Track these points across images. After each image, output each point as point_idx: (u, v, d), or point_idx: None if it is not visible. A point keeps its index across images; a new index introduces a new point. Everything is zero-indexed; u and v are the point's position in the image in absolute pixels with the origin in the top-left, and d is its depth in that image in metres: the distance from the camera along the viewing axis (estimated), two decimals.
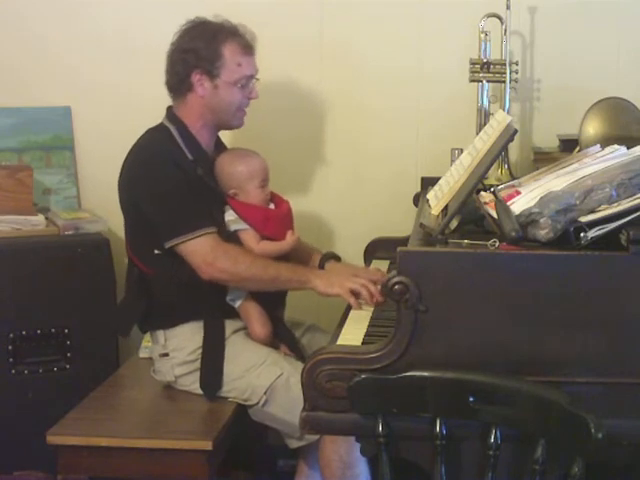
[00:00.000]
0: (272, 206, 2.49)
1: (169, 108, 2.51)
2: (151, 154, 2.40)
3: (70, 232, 2.85)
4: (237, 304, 2.44)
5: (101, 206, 3.03)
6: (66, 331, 2.79)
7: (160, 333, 2.45)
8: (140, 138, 2.45)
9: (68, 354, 2.80)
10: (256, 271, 2.33)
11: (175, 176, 2.34)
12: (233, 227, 2.41)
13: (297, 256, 2.54)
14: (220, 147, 2.59)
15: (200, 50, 2.41)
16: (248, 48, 2.46)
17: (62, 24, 3.03)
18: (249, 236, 2.40)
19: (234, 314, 2.45)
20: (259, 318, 2.42)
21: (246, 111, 2.51)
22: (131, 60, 3.03)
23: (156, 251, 2.37)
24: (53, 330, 2.79)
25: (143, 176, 2.37)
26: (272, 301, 2.45)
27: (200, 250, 2.31)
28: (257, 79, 2.51)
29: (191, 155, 2.42)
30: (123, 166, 2.43)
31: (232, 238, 2.39)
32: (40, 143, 3.05)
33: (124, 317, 2.51)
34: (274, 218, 2.45)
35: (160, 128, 2.47)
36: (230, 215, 2.42)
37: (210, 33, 2.43)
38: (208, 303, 2.41)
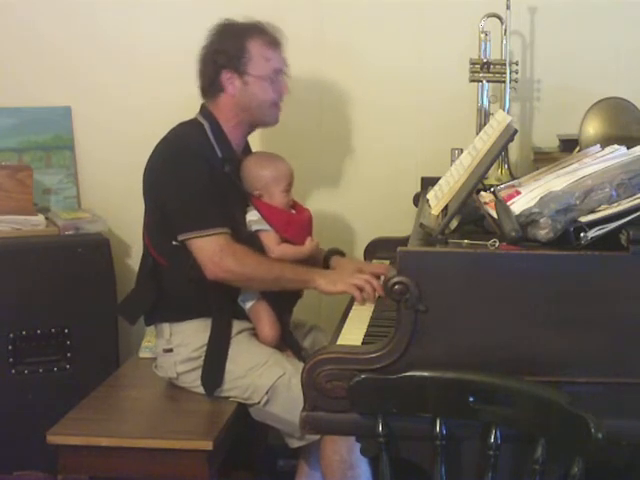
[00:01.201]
0: (293, 212, 2.52)
1: (203, 105, 2.52)
2: (182, 147, 2.41)
3: (70, 232, 2.85)
4: (248, 305, 2.45)
5: (101, 206, 3.03)
6: (66, 331, 2.80)
7: (166, 327, 2.45)
8: (172, 130, 2.46)
9: (68, 354, 2.80)
10: (261, 271, 2.34)
11: (202, 171, 2.35)
12: (255, 227, 2.43)
13: (313, 263, 2.54)
14: (247, 150, 2.61)
15: (227, 49, 2.43)
16: (274, 42, 2.48)
17: (62, 24, 3.03)
18: (270, 237, 2.43)
19: (241, 315, 2.46)
20: (269, 320, 2.43)
21: (280, 107, 2.52)
22: (131, 60, 3.03)
23: (174, 242, 2.38)
24: (53, 330, 2.79)
25: (171, 167, 2.38)
26: (282, 306, 2.47)
27: (209, 248, 2.31)
28: (287, 75, 2.52)
29: (221, 153, 2.44)
30: (151, 156, 2.44)
31: (252, 238, 2.41)
32: (40, 143, 3.05)
33: (133, 305, 2.51)
34: (296, 223, 2.48)
35: (193, 122, 2.48)
36: (253, 215, 2.44)
37: (235, 31, 2.45)
38: (219, 301, 2.41)
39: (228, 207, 2.40)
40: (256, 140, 2.66)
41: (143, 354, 2.75)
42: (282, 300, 2.45)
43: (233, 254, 2.32)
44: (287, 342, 2.48)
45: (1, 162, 2.97)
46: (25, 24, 3.04)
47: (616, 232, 1.72)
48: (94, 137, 3.07)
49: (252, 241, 2.40)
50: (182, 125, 2.47)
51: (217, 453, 2.24)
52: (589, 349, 1.71)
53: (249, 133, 2.57)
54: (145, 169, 2.44)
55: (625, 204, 1.73)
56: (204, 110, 2.50)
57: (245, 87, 2.44)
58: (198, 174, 2.35)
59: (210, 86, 2.47)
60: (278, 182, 2.47)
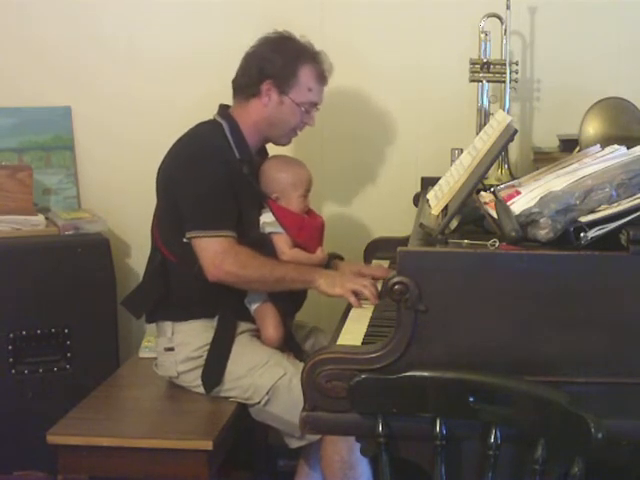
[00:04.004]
0: (306, 217, 2.53)
1: (223, 106, 2.53)
2: (201, 146, 2.43)
3: (70, 232, 2.85)
4: (254, 307, 2.46)
5: (101, 206, 3.03)
6: (66, 331, 2.80)
7: (168, 325, 2.46)
8: (190, 130, 2.47)
9: (68, 354, 2.80)
10: (262, 273, 2.35)
11: (218, 171, 2.36)
12: (268, 229, 2.44)
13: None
14: (262, 152, 2.62)
15: (279, 63, 2.45)
16: (323, 77, 2.52)
17: (62, 24, 3.03)
18: (282, 240, 2.44)
19: (245, 316, 2.46)
20: (274, 322, 2.43)
21: (297, 134, 2.57)
22: (131, 60, 3.03)
23: (185, 239, 2.38)
24: (53, 330, 2.79)
25: (188, 165, 2.39)
26: (287, 309, 2.48)
27: (212, 250, 2.32)
28: (318, 109, 2.56)
29: (239, 154, 2.45)
30: (169, 153, 2.45)
31: (265, 240, 2.42)
32: (40, 143, 3.05)
33: (139, 299, 2.51)
34: (308, 228, 2.49)
35: (212, 123, 2.49)
36: (267, 217, 2.45)
37: (293, 51, 2.48)
38: (224, 303, 2.42)
39: (241, 209, 2.41)
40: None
41: (143, 354, 2.75)
42: (288, 303, 2.46)
43: (235, 257, 2.32)
44: (289, 345, 2.48)
45: (1, 162, 2.97)
46: (25, 24, 3.03)
47: (616, 232, 1.72)
48: (94, 137, 3.07)
49: (263, 242, 2.41)
50: (201, 125, 2.48)
51: (217, 453, 2.24)
52: (589, 349, 1.71)
53: (264, 142, 2.59)
54: (161, 166, 2.46)
55: (625, 204, 1.73)
56: (222, 111, 2.51)
57: (279, 105, 2.47)
58: (214, 174, 2.36)
59: (247, 87, 2.49)
60: (296, 187, 2.48)
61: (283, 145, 2.59)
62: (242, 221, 2.40)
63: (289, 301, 2.46)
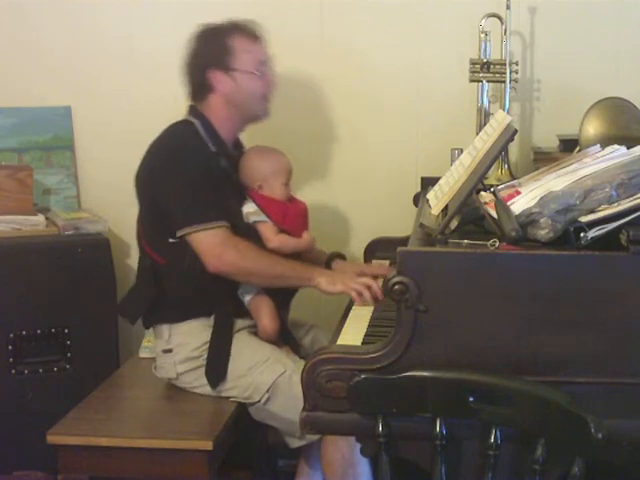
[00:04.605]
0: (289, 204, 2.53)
1: (192, 106, 2.53)
2: (175, 145, 2.43)
3: (70, 232, 2.85)
4: (247, 298, 2.46)
5: (101, 206, 3.03)
6: (66, 331, 2.80)
7: (165, 328, 2.45)
8: (164, 131, 2.47)
9: (68, 354, 2.80)
10: (262, 266, 2.35)
11: (197, 167, 2.37)
12: (252, 218, 2.44)
13: (311, 260, 2.56)
14: (239, 146, 2.62)
15: (209, 50, 2.45)
16: (254, 35, 2.50)
17: (62, 24, 3.03)
18: (267, 228, 2.44)
19: (242, 313, 2.46)
20: (269, 312, 2.43)
21: (270, 101, 2.53)
22: (131, 60, 3.03)
23: (171, 240, 2.38)
24: (53, 330, 2.79)
25: (166, 166, 2.39)
26: (279, 300, 2.47)
27: (210, 242, 2.32)
28: (272, 68, 2.53)
29: (214, 147, 2.45)
30: (145, 156, 2.45)
31: (250, 230, 2.42)
32: (40, 143, 3.05)
33: (133, 305, 2.51)
34: (292, 213, 2.49)
35: (184, 122, 2.49)
36: (250, 207, 2.46)
37: (214, 32, 2.47)
38: (219, 299, 2.42)
39: (225, 200, 2.41)
40: (257, 140, 2.66)
41: (143, 354, 2.75)
42: (279, 294, 2.45)
43: (235, 247, 2.33)
44: (284, 338, 2.48)
45: (1, 162, 2.97)
46: (25, 24, 3.03)
47: (616, 232, 1.72)
48: (94, 137, 3.07)
49: (250, 233, 2.41)
50: (173, 125, 2.48)
51: (217, 453, 2.24)
52: (589, 349, 1.71)
53: (240, 130, 2.58)
54: (139, 170, 2.45)
55: (625, 204, 1.73)
56: (192, 110, 2.51)
57: (234, 83, 2.45)
58: (193, 169, 2.36)
59: (199, 88, 2.49)
60: (278, 174, 2.48)
61: (264, 118, 2.55)
62: (228, 213, 2.40)
63: (281, 292, 2.44)
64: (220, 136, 2.48)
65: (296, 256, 2.46)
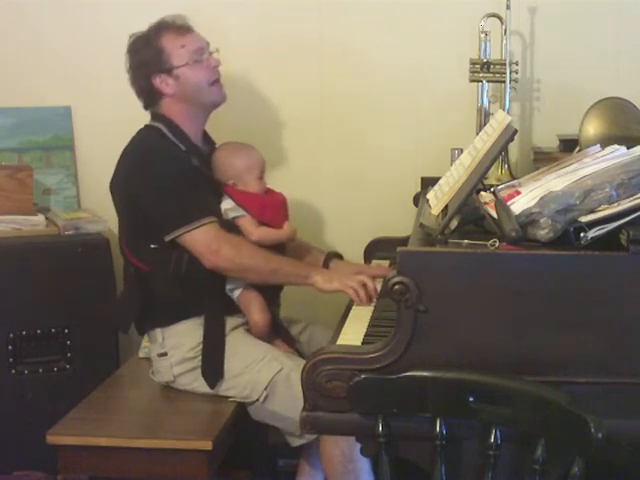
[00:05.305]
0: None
1: (152, 112, 2.54)
2: (146, 150, 2.44)
3: (70, 232, 2.85)
4: (236, 294, 2.46)
5: (101, 206, 3.02)
6: (66, 331, 2.79)
7: (158, 332, 2.45)
8: (132, 138, 2.48)
9: (68, 354, 2.80)
10: (258, 262, 2.35)
11: (172, 169, 2.37)
12: (231, 214, 2.45)
13: (296, 252, 2.58)
14: (208, 141, 2.62)
15: (144, 57, 2.47)
16: (182, 29, 2.50)
17: (62, 24, 3.03)
18: (247, 222, 2.44)
19: (233, 310, 2.46)
20: (258, 305, 2.44)
21: (222, 83, 2.53)
22: None
23: (152, 245, 2.39)
24: (53, 330, 2.79)
25: (141, 171, 2.39)
26: (269, 295, 2.47)
27: (204, 239, 2.32)
28: (214, 50, 2.53)
29: (184, 147, 2.46)
30: (117, 166, 2.45)
31: (230, 226, 2.43)
32: (40, 143, 3.05)
33: (122, 314, 2.51)
34: (270, 205, 2.50)
35: (149, 127, 2.51)
36: (227, 204, 2.46)
37: (144, 39, 2.50)
38: (207, 298, 2.42)
39: (205, 197, 2.41)
40: (257, 140, 2.66)
41: (143, 354, 2.75)
42: (269, 288, 2.45)
43: (228, 241, 2.34)
44: (277, 331, 2.49)
45: (1, 162, 2.97)
46: (25, 24, 3.03)
47: (616, 232, 1.72)
48: (94, 137, 3.07)
49: (231, 229, 2.41)
50: (139, 132, 2.49)
51: (217, 453, 2.24)
52: (589, 349, 1.71)
53: (203, 122, 2.58)
54: (112, 181, 2.46)
55: (625, 204, 1.73)
56: (154, 116, 2.52)
57: (178, 81, 2.46)
58: (169, 172, 2.37)
59: (150, 97, 2.51)
60: (250, 170, 2.49)
61: (221, 102, 2.54)
62: (210, 210, 2.40)
63: (266, 288, 2.44)
64: (186, 134, 2.48)
65: (281, 251, 2.46)
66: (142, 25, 3.01)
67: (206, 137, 2.62)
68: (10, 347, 2.73)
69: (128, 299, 2.48)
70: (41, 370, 2.78)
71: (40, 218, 2.88)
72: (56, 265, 2.78)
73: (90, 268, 2.81)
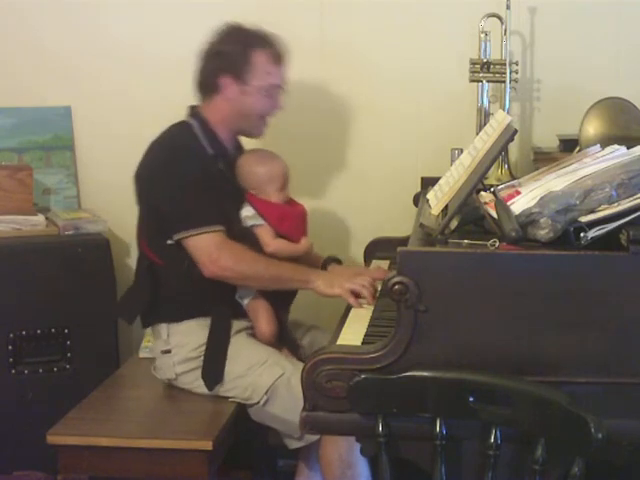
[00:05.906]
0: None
1: (192, 107, 2.53)
2: (172, 147, 2.43)
3: (70, 232, 2.85)
4: (245, 302, 2.46)
5: (101, 206, 3.03)
6: (66, 331, 2.80)
7: (163, 327, 2.45)
8: (162, 132, 2.47)
9: (68, 354, 2.80)
10: (259, 269, 2.35)
11: (194, 170, 2.37)
12: (250, 222, 2.45)
13: (307, 263, 2.55)
14: (239, 148, 2.62)
15: (231, 54, 2.44)
16: (278, 58, 2.49)
17: (62, 24, 3.03)
18: (265, 231, 2.44)
19: (240, 314, 2.46)
20: (266, 316, 2.44)
21: (268, 122, 2.54)
22: (132, 60, 3.03)
23: (169, 242, 2.39)
24: (53, 330, 2.79)
25: (164, 167, 2.39)
26: (278, 303, 2.47)
27: (206, 246, 2.33)
28: (284, 91, 2.54)
29: (211, 149, 2.46)
30: (144, 157, 2.45)
31: (248, 233, 2.42)
32: (40, 143, 3.05)
33: (130, 304, 2.51)
34: (290, 217, 2.49)
35: (181, 123, 2.50)
36: (248, 211, 2.46)
37: (243, 39, 2.46)
38: (217, 300, 2.42)
39: (222, 204, 2.41)
40: (257, 141, 2.66)
41: (143, 354, 2.75)
42: (279, 297, 2.45)
43: (230, 250, 2.33)
44: (284, 340, 2.48)
45: (1, 162, 2.97)
46: (25, 24, 3.04)
47: (616, 232, 1.72)
48: (94, 137, 3.07)
49: (247, 236, 2.41)
50: (170, 127, 2.48)
51: (217, 453, 2.24)
52: (589, 349, 1.71)
53: (237, 133, 2.59)
54: (137, 170, 2.45)
55: (625, 204, 1.73)
56: (192, 111, 2.52)
57: (242, 96, 2.46)
58: (190, 173, 2.36)
59: (207, 85, 2.49)
60: (272, 181, 2.48)
61: (257, 136, 2.57)
62: (224, 216, 2.40)
63: (279, 294, 2.44)
64: (218, 137, 2.48)
65: (292, 259, 2.45)
66: (142, 25, 3.03)
67: (238, 144, 2.62)
68: (10, 347, 2.74)
69: (138, 291, 2.48)
70: (41, 370, 2.78)
71: (40, 218, 2.88)
72: (56, 265, 2.78)
73: (90, 268, 2.81)
